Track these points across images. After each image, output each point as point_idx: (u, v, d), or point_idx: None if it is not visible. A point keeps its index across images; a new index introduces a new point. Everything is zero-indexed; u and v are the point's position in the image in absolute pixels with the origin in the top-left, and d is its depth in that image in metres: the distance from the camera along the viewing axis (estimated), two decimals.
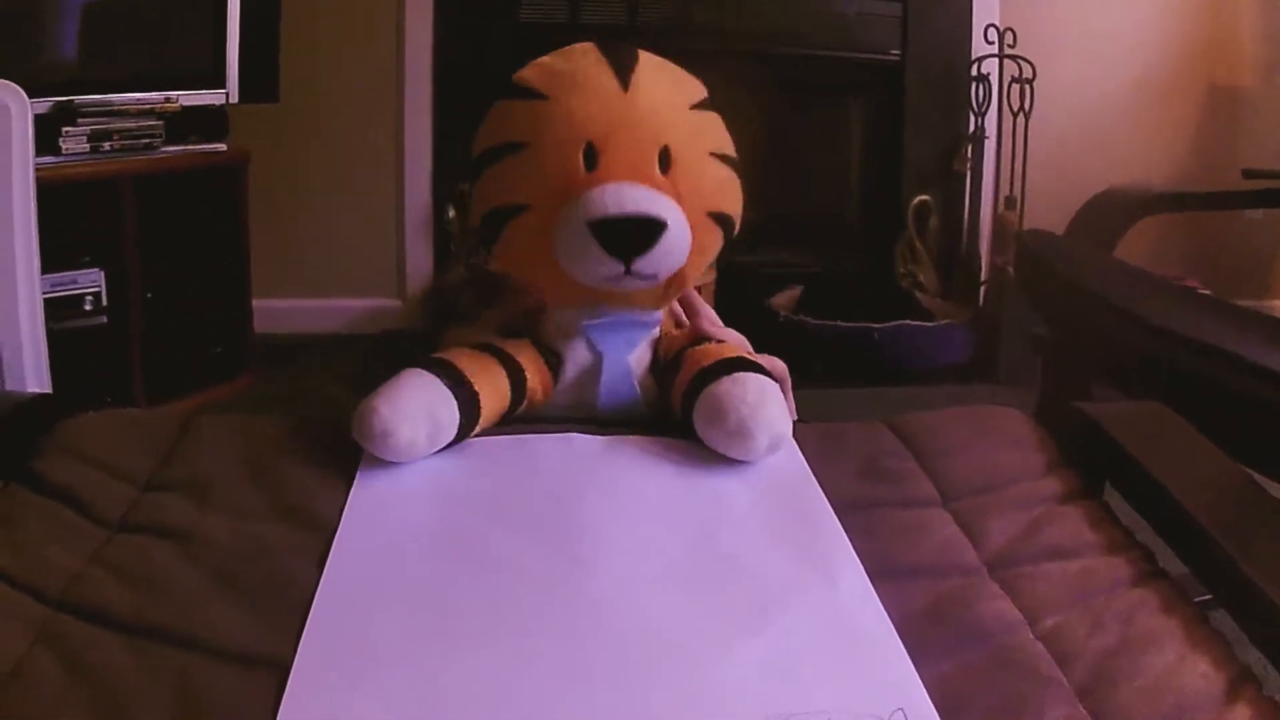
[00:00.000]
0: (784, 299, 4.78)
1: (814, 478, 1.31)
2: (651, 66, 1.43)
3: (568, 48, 1.44)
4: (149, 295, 3.85)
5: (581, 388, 1.46)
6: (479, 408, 1.35)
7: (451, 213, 4.79)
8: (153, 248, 3.85)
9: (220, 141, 4.02)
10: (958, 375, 4.60)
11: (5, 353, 2.25)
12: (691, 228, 1.38)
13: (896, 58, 4.98)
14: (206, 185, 4.05)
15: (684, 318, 1.55)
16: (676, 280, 1.42)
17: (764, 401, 1.32)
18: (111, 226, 3.72)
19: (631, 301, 1.43)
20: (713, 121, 1.46)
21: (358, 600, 1.09)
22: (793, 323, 4.54)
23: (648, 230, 1.34)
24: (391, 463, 1.30)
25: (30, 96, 2.51)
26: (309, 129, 4.78)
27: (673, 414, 1.42)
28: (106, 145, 3.69)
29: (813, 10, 4.98)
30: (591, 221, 1.33)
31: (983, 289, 4.97)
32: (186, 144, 3.93)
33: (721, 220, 1.44)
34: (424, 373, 1.34)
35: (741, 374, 1.36)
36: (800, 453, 1.36)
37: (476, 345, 1.42)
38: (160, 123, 3.82)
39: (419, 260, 5.01)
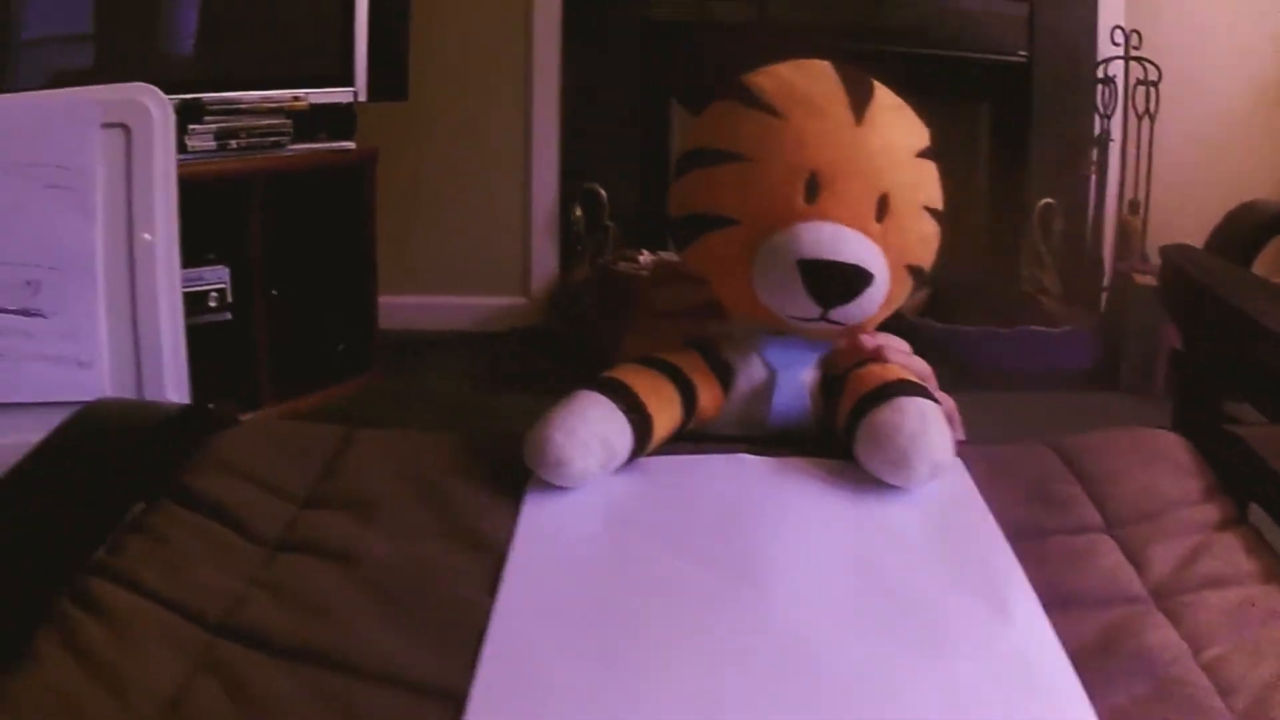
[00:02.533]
0: (912, 301, 4.75)
1: (985, 504, 1.29)
2: (886, 103, 1.40)
3: (804, 62, 1.41)
4: (274, 292, 3.90)
5: (753, 404, 1.43)
6: (652, 431, 1.33)
7: (578, 211, 4.82)
8: (278, 245, 3.89)
9: (348, 140, 4.06)
10: (1079, 381, 4.57)
11: (145, 358, 2.25)
12: (889, 279, 1.36)
13: (1023, 58, 4.93)
14: (334, 183, 4.11)
15: None
16: (859, 326, 1.40)
17: (925, 429, 1.28)
18: (237, 224, 3.78)
19: (809, 333, 1.41)
20: (931, 172, 1.43)
21: (533, 628, 1.08)
22: (916, 326, 4.50)
23: (856, 281, 1.32)
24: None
25: None
26: (437, 127, 4.82)
27: (839, 434, 1.39)
28: (233, 143, 3.74)
29: (940, 9, 4.96)
30: (803, 261, 1.30)
31: (1105, 294, 4.92)
32: (314, 142, 3.96)
33: (916, 273, 1.42)
34: (599, 397, 1.31)
35: (901, 399, 1.32)
36: (969, 477, 1.33)
37: (648, 361, 1.40)
38: (288, 121, 3.87)
39: (545, 259, 5.04)
